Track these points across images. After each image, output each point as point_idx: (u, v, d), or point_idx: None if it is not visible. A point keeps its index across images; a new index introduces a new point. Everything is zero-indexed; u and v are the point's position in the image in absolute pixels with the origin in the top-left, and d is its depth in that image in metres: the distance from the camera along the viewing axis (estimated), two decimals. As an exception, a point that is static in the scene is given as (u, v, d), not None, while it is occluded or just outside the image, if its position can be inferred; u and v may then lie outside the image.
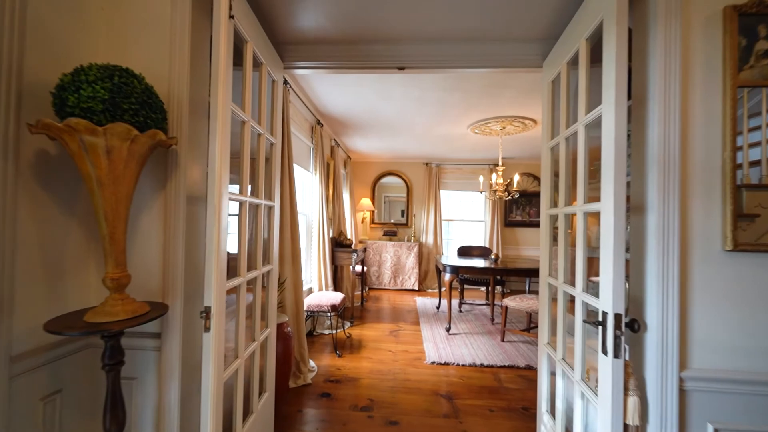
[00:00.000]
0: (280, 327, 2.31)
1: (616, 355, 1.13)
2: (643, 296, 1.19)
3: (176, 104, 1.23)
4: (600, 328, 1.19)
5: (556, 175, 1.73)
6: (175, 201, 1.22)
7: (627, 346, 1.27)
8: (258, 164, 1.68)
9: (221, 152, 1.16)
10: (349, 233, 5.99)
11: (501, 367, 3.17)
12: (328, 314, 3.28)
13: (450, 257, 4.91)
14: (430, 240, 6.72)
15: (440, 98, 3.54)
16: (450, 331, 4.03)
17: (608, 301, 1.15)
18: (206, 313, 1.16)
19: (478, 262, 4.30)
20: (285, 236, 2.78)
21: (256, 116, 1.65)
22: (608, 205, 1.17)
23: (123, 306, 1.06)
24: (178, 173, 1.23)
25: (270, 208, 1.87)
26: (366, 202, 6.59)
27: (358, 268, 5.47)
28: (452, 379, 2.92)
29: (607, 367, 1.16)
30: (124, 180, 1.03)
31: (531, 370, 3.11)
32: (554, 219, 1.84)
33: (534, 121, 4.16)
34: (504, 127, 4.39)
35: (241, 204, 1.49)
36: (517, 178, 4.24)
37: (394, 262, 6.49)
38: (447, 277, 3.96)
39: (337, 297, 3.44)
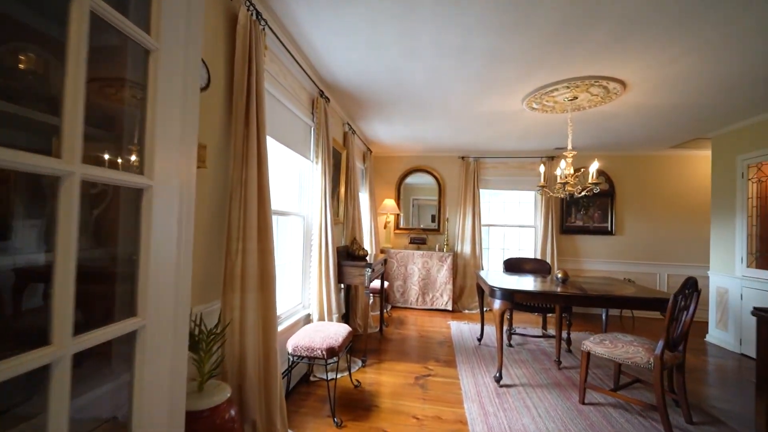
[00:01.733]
0: (212, 413, 1.28)
1: None
2: None
3: None
4: None
5: None
6: None
7: None
8: (67, 76, 0.66)
9: None
10: (367, 242, 4.94)
11: (594, 461, 1.96)
12: (324, 362, 2.23)
13: (495, 275, 3.72)
14: (467, 249, 5.53)
15: (492, 47, 2.42)
16: (501, 382, 2.85)
17: None
18: None
19: (538, 283, 3.10)
20: (248, 247, 1.77)
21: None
22: None
23: None
24: None
25: (140, 193, 0.85)
26: (389, 202, 5.53)
27: (377, 282, 4.41)
28: (516, 486, 1.76)
29: None
30: None
31: (648, 473, 1.88)
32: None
33: (622, 84, 2.92)
34: (575, 97, 3.17)
35: None
36: (596, 165, 3.01)
37: (422, 276, 5.36)
38: (497, 304, 2.79)
39: (338, 333, 2.39)
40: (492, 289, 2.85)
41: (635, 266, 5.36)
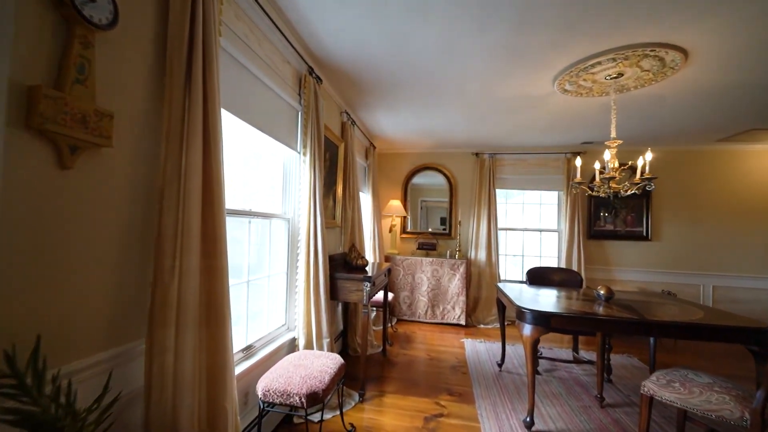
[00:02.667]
0: None
1: None
2: None
3: None
4: None
5: None
6: None
7: None
8: None
9: None
10: (369, 247, 4.41)
11: None
12: (303, 412, 1.70)
13: (517, 288, 3.14)
14: (482, 256, 4.94)
15: (521, 2, 1.87)
16: (533, 428, 2.27)
17: None
18: None
19: (573, 301, 2.52)
20: (188, 265, 1.24)
21: None
22: None
23: None
24: None
25: None
26: (395, 204, 4.99)
27: (380, 294, 3.86)
28: None
29: None
30: None
31: None
32: None
33: (684, 53, 2.33)
34: (620, 74, 2.59)
35: None
36: (649, 156, 2.42)
37: (432, 286, 4.79)
38: (528, 330, 2.22)
39: (324, 370, 1.84)
40: (521, 311, 2.27)
41: (675, 276, 4.70)
